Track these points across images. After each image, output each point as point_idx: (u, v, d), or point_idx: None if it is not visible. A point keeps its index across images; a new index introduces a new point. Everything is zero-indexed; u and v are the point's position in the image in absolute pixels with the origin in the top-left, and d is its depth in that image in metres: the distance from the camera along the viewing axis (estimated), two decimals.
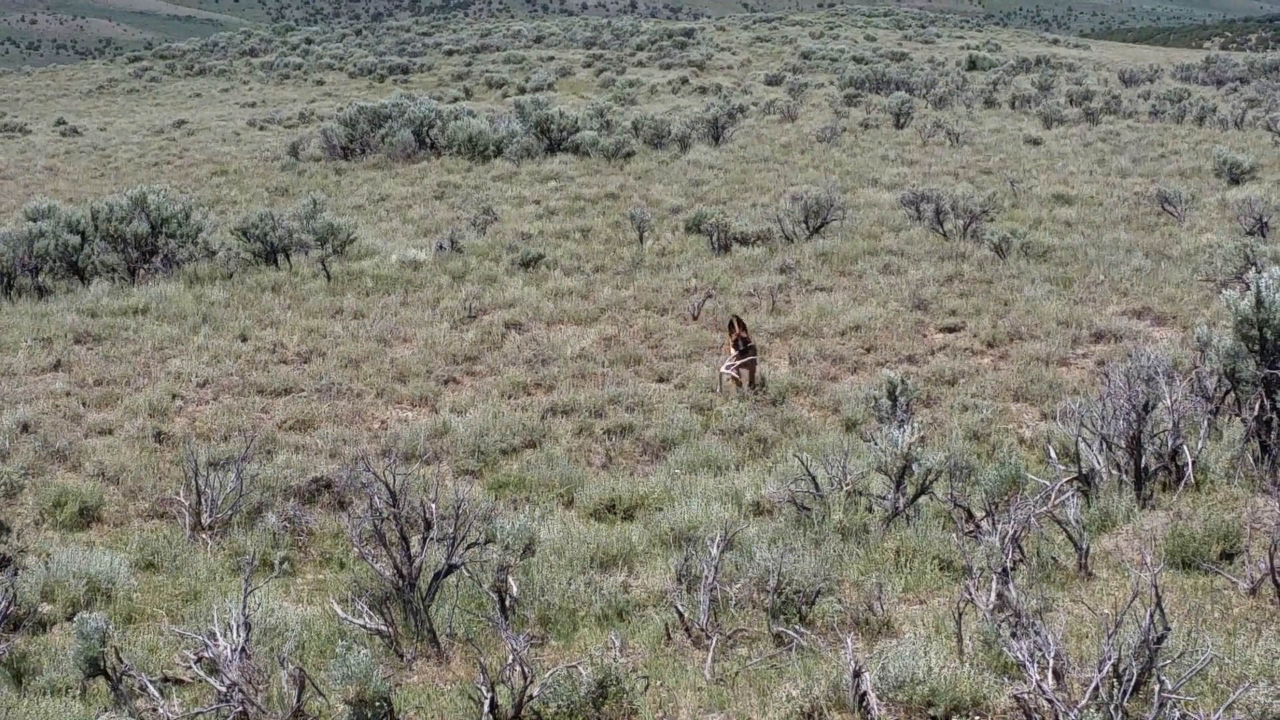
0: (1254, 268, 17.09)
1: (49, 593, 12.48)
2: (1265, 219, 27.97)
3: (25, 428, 17.88)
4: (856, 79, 67.03)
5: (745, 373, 17.02)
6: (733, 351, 16.40)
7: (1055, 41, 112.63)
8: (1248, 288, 13.72)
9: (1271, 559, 10.12)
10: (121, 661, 10.04)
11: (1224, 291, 15.55)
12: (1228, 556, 11.13)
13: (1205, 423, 13.82)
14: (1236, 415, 13.92)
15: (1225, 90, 64.14)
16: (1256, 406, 13.53)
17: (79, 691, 9.99)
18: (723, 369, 16.00)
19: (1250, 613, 10.01)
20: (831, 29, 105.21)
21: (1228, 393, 13.90)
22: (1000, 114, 54.47)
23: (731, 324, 16.96)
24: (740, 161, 40.46)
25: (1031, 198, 32.53)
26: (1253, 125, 48.19)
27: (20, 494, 15.43)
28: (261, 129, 56.85)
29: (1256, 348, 13.46)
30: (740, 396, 16.57)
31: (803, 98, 60.87)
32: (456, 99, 61.67)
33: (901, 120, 50.40)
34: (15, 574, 11.92)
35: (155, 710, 9.42)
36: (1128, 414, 13.36)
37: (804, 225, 28.34)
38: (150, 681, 9.79)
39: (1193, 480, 13.15)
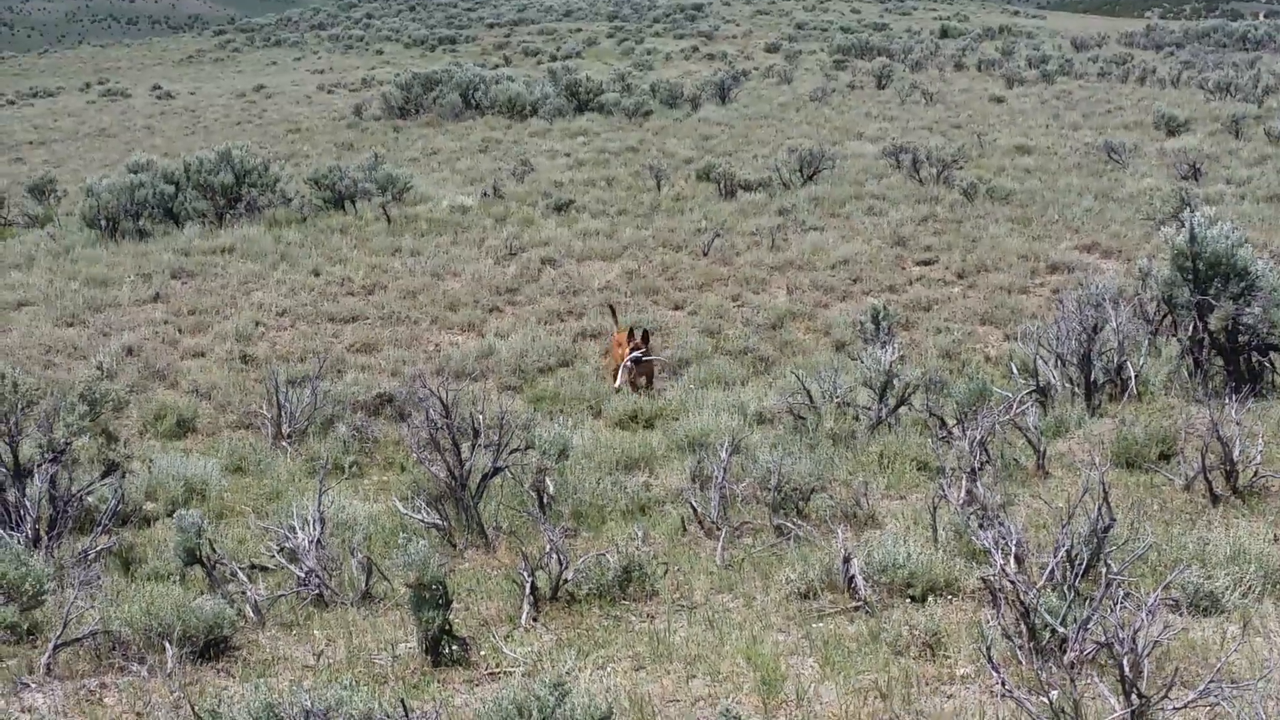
0: (1188, 208, 17.03)
1: (152, 493, 12.54)
2: (1198, 166, 27.96)
3: (130, 351, 17.95)
4: (844, 46, 66.69)
5: (643, 378, 16.22)
6: (628, 358, 15.67)
7: (1016, 13, 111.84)
8: (1183, 225, 13.71)
9: (1203, 459, 10.12)
10: (215, 552, 10.08)
11: (1162, 229, 15.54)
12: (1165, 457, 11.14)
13: (1146, 342, 13.82)
14: (1173, 335, 13.93)
15: (1163, 54, 63.75)
16: (1190, 328, 13.54)
17: (179, 578, 10.02)
18: (627, 361, 15.54)
19: (1185, 506, 10.02)
20: (822, 3, 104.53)
21: (1165, 316, 13.89)
22: (968, 76, 54.22)
23: (631, 333, 16.11)
24: (744, 119, 40.33)
25: (995, 149, 32.41)
26: (1187, 84, 47.98)
27: (126, 408, 15.49)
28: (329, 92, 56.73)
29: (1190, 277, 13.46)
30: (634, 389, 15.90)
31: (797, 63, 60.58)
32: (497, 66, 61.39)
33: (883, 82, 50.20)
34: (123, 477, 11.96)
35: (244, 593, 9.46)
36: (1079, 335, 13.37)
37: (799, 174, 28.27)
38: (239, 569, 9.84)
39: (1135, 392, 13.18)
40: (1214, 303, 13.25)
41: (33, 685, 8.32)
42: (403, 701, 5.75)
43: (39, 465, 11.42)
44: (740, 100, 45.32)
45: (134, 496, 12.18)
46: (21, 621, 9.09)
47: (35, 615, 9.12)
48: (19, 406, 11.64)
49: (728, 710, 6.88)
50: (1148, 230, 22.23)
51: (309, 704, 5.66)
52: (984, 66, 57.16)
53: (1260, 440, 10.46)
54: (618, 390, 15.97)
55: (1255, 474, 10.18)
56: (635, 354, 15.76)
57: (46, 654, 8.57)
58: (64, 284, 21.48)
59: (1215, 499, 9.99)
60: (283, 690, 6.40)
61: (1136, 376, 13.32)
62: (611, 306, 17.46)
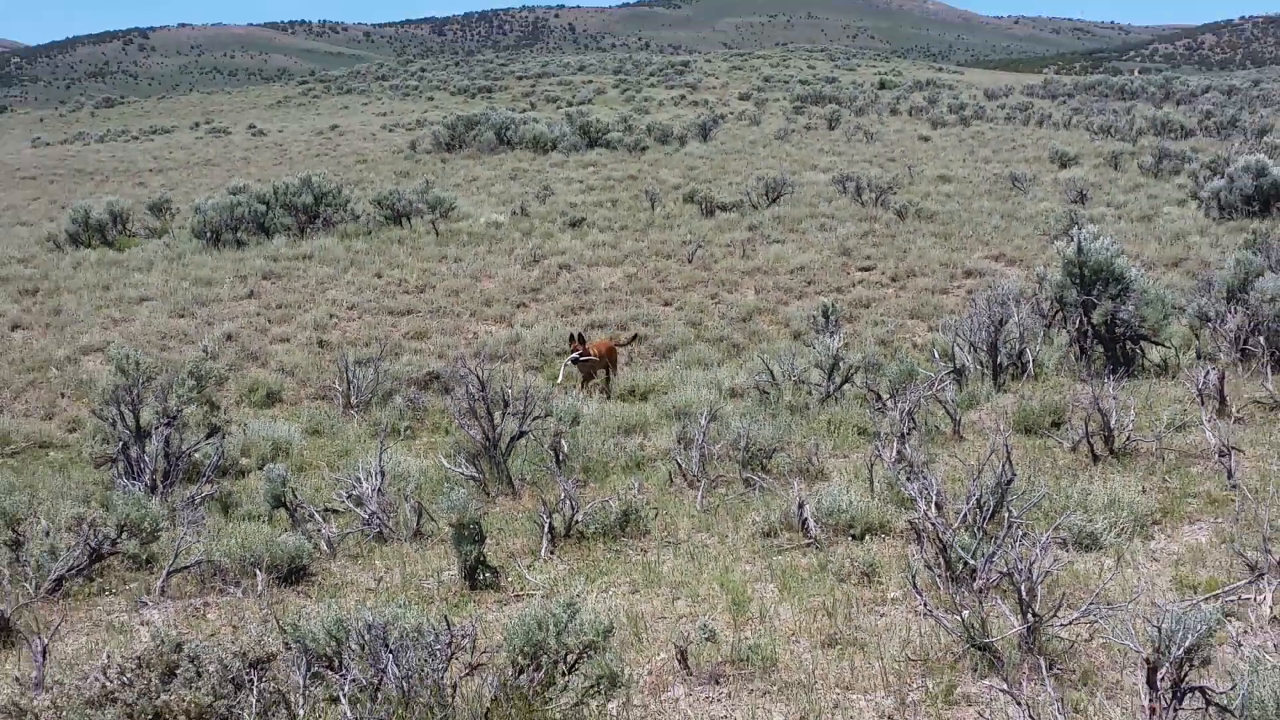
0: (1076, 226, 17.01)
1: (246, 450, 12.56)
2: (1084, 192, 27.99)
3: (229, 337, 17.96)
4: (802, 95, 66.57)
5: (597, 376, 15.29)
6: (567, 359, 15.24)
7: (940, 69, 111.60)
8: (1072, 240, 13.72)
9: (1086, 426, 10.13)
10: (296, 497, 10.08)
11: (1055, 242, 15.55)
12: (1056, 425, 11.14)
13: (1041, 333, 13.81)
14: (1063, 328, 13.94)
15: (1058, 103, 63.63)
16: (1077, 321, 13.55)
17: (267, 518, 10.04)
18: (567, 361, 15.14)
19: (1071, 464, 10.03)
20: (785, 61, 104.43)
21: (1057, 312, 13.90)
22: (901, 119, 54.13)
23: (571, 337, 15.30)
24: (721, 153, 40.27)
25: (922, 178, 32.38)
26: (1076, 127, 47.96)
27: (226, 383, 15.51)
28: (390, 131, 56.59)
29: (1077, 281, 13.47)
30: (581, 391, 14.79)
31: (764, 109, 60.43)
32: (525, 110, 61.22)
33: (832, 124, 50.13)
34: (223, 438, 11.97)
35: (319, 531, 9.46)
36: (988, 327, 13.38)
37: (765, 197, 28.23)
38: (315, 511, 9.84)
39: (1032, 373, 13.19)
40: (1096, 301, 13.26)
41: (150, 603, 8.33)
42: (445, 617, 5.75)
43: (156, 428, 11.44)
44: (718, 138, 45.25)
45: (231, 453, 12.22)
46: (141, 553, 9.10)
47: (152, 548, 9.13)
48: (140, 381, 11.65)
49: (705, 625, 6.88)
50: (1044, 243, 22.23)
51: (370, 619, 5.66)
52: (914, 112, 57.10)
53: (1132, 411, 10.47)
54: (559, 387, 14.96)
55: (1128, 438, 10.18)
56: (573, 355, 15.05)
57: (161, 579, 8.59)
58: (176, 283, 21.48)
59: (1096, 458, 9.99)
60: (350, 608, 6.40)
61: (1033, 360, 13.32)
62: (572, 334, 15.76)
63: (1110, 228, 22.34)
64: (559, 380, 15.15)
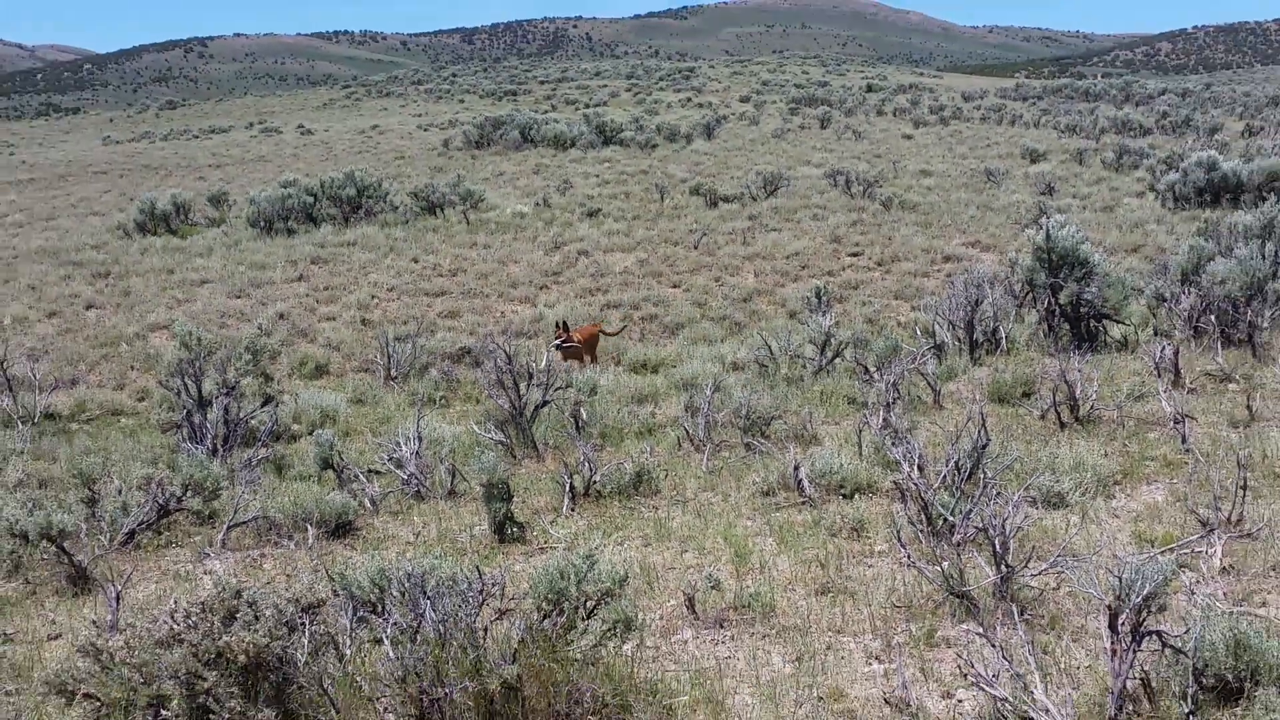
0: (1045, 215, 16.97)
1: (297, 417, 12.58)
2: (1052, 184, 27.88)
3: (281, 316, 17.98)
4: (797, 98, 66.28)
5: (574, 363, 14.74)
6: (551, 345, 14.67)
7: (921, 74, 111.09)
8: (1041, 228, 13.67)
9: (1054, 396, 10.10)
10: (342, 460, 10.10)
11: (1026, 230, 15.50)
12: (1027, 395, 11.11)
13: (1013, 312, 13.79)
14: (1033, 308, 13.90)
15: (1028, 104, 63.28)
16: (1045, 302, 13.51)
17: (317, 478, 10.05)
18: (550, 348, 14.81)
19: (1040, 430, 10.00)
20: (781, 67, 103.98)
21: (1027, 293, 13.86)
22: (887, 119, 53.88)
23: (556, 324, 15.03)
24: (724, 150, 40.13)
25: (905, 172, 32.27)
26: (1045, 126, 47.74)
27: (278, 357, 15.52)
28: (425, 130, 56.45)
29: (1046, 265, 13.43)
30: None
31: (763, 110, 60.19)
32: (546, 111, 61.00)
33: (824, 124, 49.92)
34: (276, 406, 11.99)
35: (363, 490, 9.48)
36: (965, 306, 13.34)
37: (763, 190, 28.14)
38: (360, 472, 9.85)
39: (1005, 348, 13.16)
40: (1063, 284, 13.22)
41: (212, 554, 8.35)
42: (477, 567, 5.75)
43: (217, 397, 11.45)
44: (721, 137, 45.09)
45: (284, 420, 12.24)
46: (204, 509, 9.12)
47: (213, 505, 9.16)
48: (202, 355, 11.67)
49: (711, 575, 6.89)
50: (1015, 231, 22.16)
51: (410, 569, 5.67)
52: (898, 113, 56.82)
53: (1095, 383, 10.45)
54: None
55: (1091, 407, 10.16)
56: (557, 342, 14.65)
57: (221, 533, 8.61)
58: (234, 268, 21.49)
59: (1062, 425, 9.97)
60: (391, 559, 6.41)
61: (1006, 337, 13.29)
62: (558, 323, 15.36)
63: (1076, 217, 22.25)
64: (541, 365, 14.77)
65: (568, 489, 9.07)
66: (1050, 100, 67.22)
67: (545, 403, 11.21)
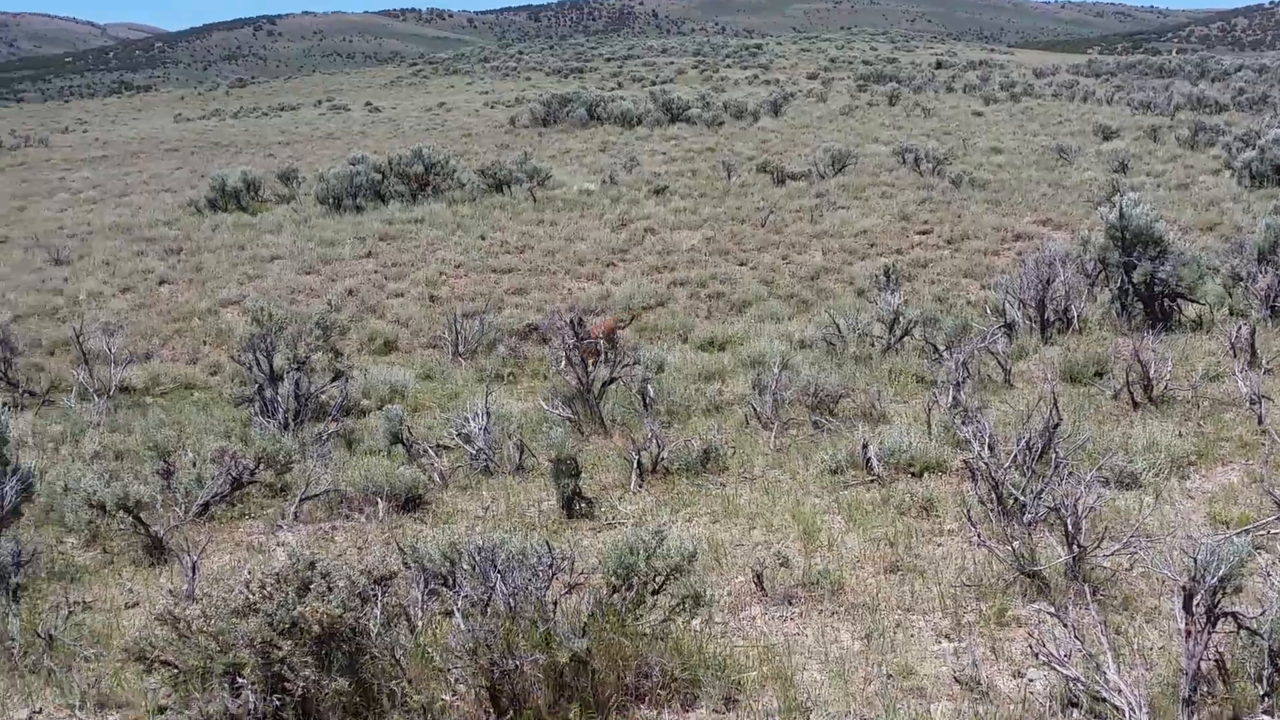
0: (1118, 193, 16.78)
1: (366, 393, 12.67)
2: (1126, 162, 27.53)
3: (350, 292, 18.11)
4: (865, 75, 65.80)
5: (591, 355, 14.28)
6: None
7: (992, 50, 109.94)
8: (1114, 206, 13.52)
9: (1127, 376, 10.02)
10: (411, 435, 10.20)
11: (1099, 208, 15.32)
12: (1099, 375, 11.02)
13: (1085, 291, 13.66)
14: (1105, 286, 13.77)
15: (1101, 80, 62.47)
16: (1119, 281, 13.39)
17: (386, 453, 10.14)
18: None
19: (1113, 410, 9.92)
20: (849, 43, 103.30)
21: (1100, 272, 13.73)
22: (956, 96, 53.38)
23: (571, 322, 13.61)
24: (791, 127, 39.95)
25: (975, 149, 31.96)
26: (1118, 103, 47.11)
27: (348, 333, 15.62)
28: (492, 108, 56.59)
29: (1119, 244, 13.29)
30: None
31: (831, 87, 59.83)
32: (613, 89, 60.98)
33: (893, 101, 49.54)
34: (346, 381, 12.09)
35: (432, 464, 9.56)
36: (1036, 285, 13.23)
37: (831, 167, 27.97)
38: (429, 447, 9.94)
39: (1077, 327, 13.04)
40: (1137, 262, 13.08)
41: (284, 526, 8.47)
42: (547, 542, 5.80)
43: (288, 372, 11.59)
44: (788, 114, 44.87)
45: (354, 395, 12.33)
46: (276, 482, 9.25)
47: (285, 478, 9.28)
48: (274, 330, 11.80)
49: (779, 552, 6.90)
50: (1088, 209, 21.87)
51: (481, 542, 5.72)
52: (968, 89, 56.27)
53: (1169, 363, 10.33)
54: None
55: (1165, 387, 10.06)
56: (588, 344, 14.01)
57: (294, 505, 8.72)
58: (303, 244, 21.67)
59: (1135, 405, 9.88)
60: (460, 533, 6.47)
61: (1078, 316, 13.17)
62: (573, 319, 14.36)
63: (1150, 195, 21.92)
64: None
65: (635, 465, 9.10)
66: (1124, 76, 66.36)
67: (613, 379, 11.25)
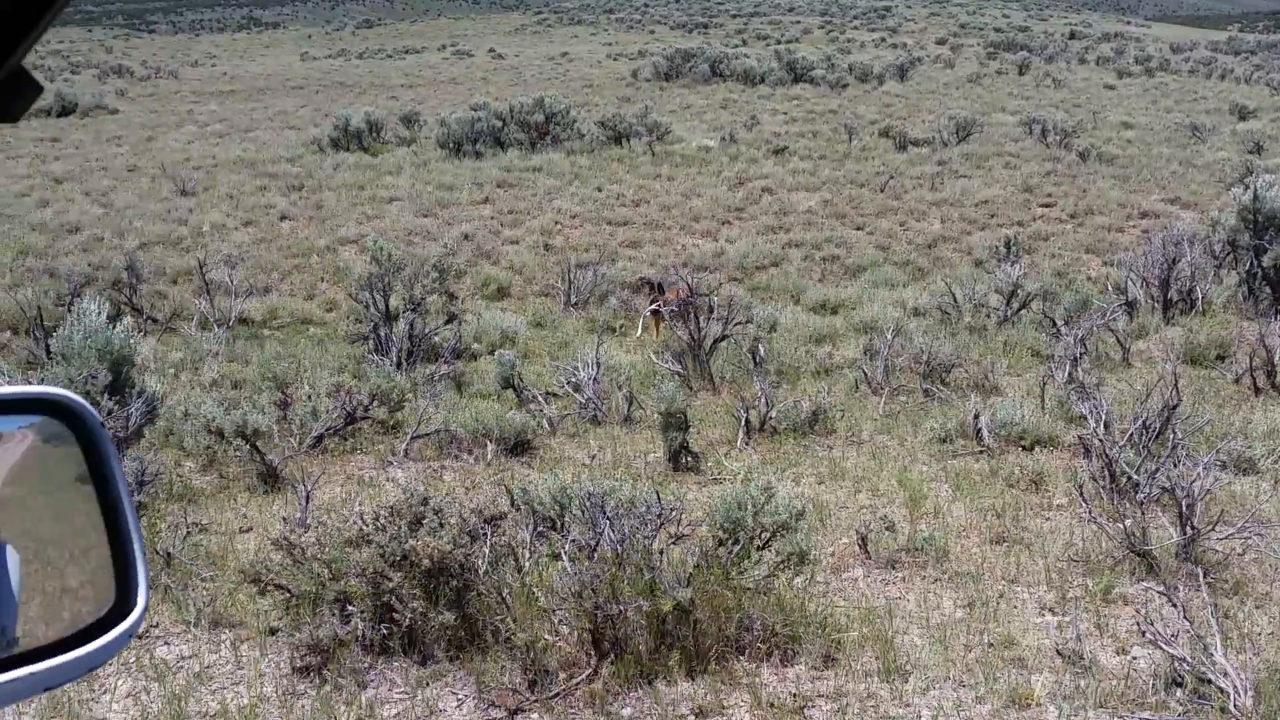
0: (1253, 174, 16.40)
1: (478, 337, 12.83)
2: (1261, 143, 26.80)
3: (466, 237, 18.28)
4: (995, 42, 64.60)
5: (656, 325, 13.04)
6: (646, 311, 13.25)
7: (1128, 22, 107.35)
8: (1248, 187, 13.24)
9: (1251, 361, 9.84)
10: (522, 380, 10.32)
11: (1231, 189, 14.98)
12: (1221, 358, 10.85)
13: (1211, 273, 13.40)
14: (1233, 269, 13.50)
15: (1240, 58, 60.76)
16: (1247, 264, 13.12)
17: (496, 397, 10.28)
18: (645, 313, 14.03)
19: (1234, 394, 9.76)
20: (981, 9, 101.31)
21: (1228, 255, 13.47)
22: (1088, 69, 52.25)
23: (650, 284, 13.65)
24: (916, 93, 39.41)
25: (1105, 123, 31.31)
26: (1257, 82, 45.81)
27: (463, 277, 15.80)
28: (614, 60, 56.50)
29: (1250, 226, 13.02)
30: (652, 338, 12.91)
31: (959, 53, 58.85)
32: (737, 46, 60.51)
33: (1022, 70, 48.60)
34: (460, 325, 12.25)
35: (541, 411, 9.67)
36: (1161, 264, 13.01)
37: (955, 135, 27.58)
38: (539, 394, 10.06)
39: (1200, 309, 12.81)
40: (1268, 246, 12.80)
41: (395, 463, 8.63)
42: (656, 492, 5.86)
43: (403, 313, 11.77)
44: (914, 79, 44.24)
45: (466, 339, 12.48)
46: (388, 419, 9.41)
47: (398, 416, 9.44)
48: (391, 271, 11.97)
49: (885, 516, 6.90)
50: (1219, 190, 21.37)
51: (591, 488, 5.80)
52: (1101, 62, 55.03)
53: None
54: (638, 339, 13.17)
55: None
56: (653, 307, 13.13)
57: (405, 443, 8.88)
58: (422, 187, 21.89)
59: (1258, 390, 9.71)
60: (568, 479, 6.55)
61: (1203, 298, 12.93)
62: (651, 282, 13.87)
63: None
64: (638, 334, 13.39)
65: (743, 423, 9.13)
66: (1264, 55, 64.41)
67: (724, 336, 11.27)
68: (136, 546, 1.41)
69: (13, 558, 1.44)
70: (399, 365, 11.13)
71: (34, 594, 1.48)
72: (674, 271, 13.34)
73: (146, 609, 1.40)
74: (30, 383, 7.89)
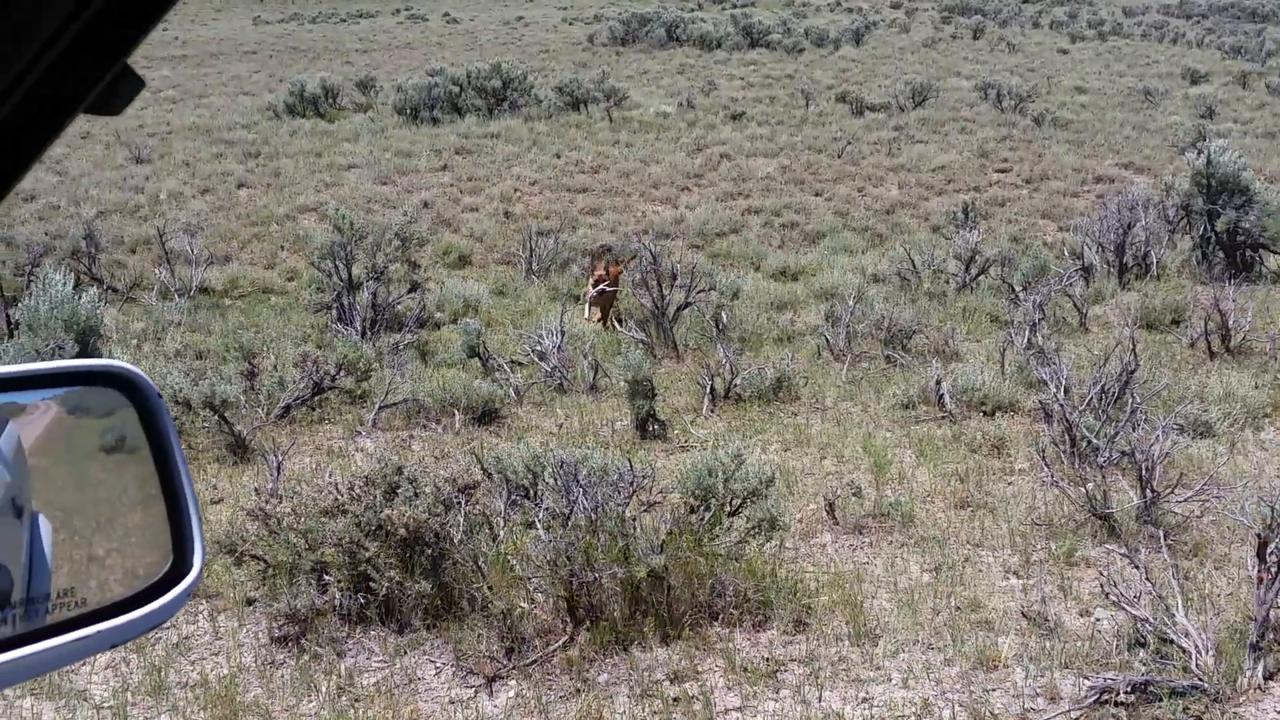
0: (1205, 139, 16.57)
1: (441, 306, 12.82)
2: (1213, 108, 27.03)
3: (426, 204, 18.24)
4: (950, 6, 64.56)
5: (598, 310, 12.21)
6: (591, 287, 12.36)
7: None
8: (1201, 152, 13.40)
9: (1205, 325, 10.00)
10: (486, 349, 10.36)
11: (1185, 154, 15.15)
12: (1176, 322, 11.01)
13: (1166, 237, 13.56)
14: (1187, 234, 13.67)
15: (1192, 22, 61.11)
16: (1201, 228, 13.29)
17: (461, 366, 10.32)
18: (590, 292, 12.35)
19: (1189, 358, 9.92)
20: None
21: (1182, 219, 13.63)
22: (1042, 33, 52.43)
23: (594, 255, 13.20)
24: (872, 58, 39.48)
25: (1059, 88, 31.49)
26: (1208, 46, 46.12)
27: (424, 245, 15.76)
28: (570, 24, 56.22)
29: (1204, 191, 13.18)
30: (599, 324, 12.05)
31: (914, 18, 58.85)
32: (693, 10, 60.29)
33: (977, 35, 48.72)
34: (423, 293, 12.26)
35: (508, 379, 9.72)
36: (1116, 229, 13.16)
37: (911, 100, 27.67)
38: (503, 362, 10.10)
39: (1156, 273, 12.97)
40: (1221, 211, 12.96)
41: (363, 433, 8.67)
42: (628, 458, 5.94)
43: (365, 281, 11.77)
44: (870, 44, 44.29)
45: (429, 308, 12.48)
46: (355, 389, 9.44)
47: (364, 385, 9.46)
48: (353, 239, 11.97)
49: (851, 481, 7.01)
50: (1172, 154, 21.58)
51: (564, 457, 5.87)
52: (1054, 26, 55.20)
53: (1249, 313, 10.29)
54: (587, 320, 12.27)
55: (1243, 338, 10.04)
56: (597, 288, 12.20)
57: (373, 412, 8.91)
58: (379, 154, 21.80)
59: (1212, 354, 9.87)
60: (537, 447, 6.62)
61: (1157, 262, 13.09)
62: (596, 252, 13.45)
63: (1236, 142, 21.58)
64: (586, 316, 12.45)
65: (708, 390, 9.22)
66: (1216, 19, 64.81)
67: (687, 304, 11.34)
68: (193, 511, 1.49)
69: (45, 526, 1.52)
70: (363, 335, 11.14)
71: (76, 560, 1.56)
72: (635, 239, 13.37)
73: (203, 570, 1.49)
74: None
